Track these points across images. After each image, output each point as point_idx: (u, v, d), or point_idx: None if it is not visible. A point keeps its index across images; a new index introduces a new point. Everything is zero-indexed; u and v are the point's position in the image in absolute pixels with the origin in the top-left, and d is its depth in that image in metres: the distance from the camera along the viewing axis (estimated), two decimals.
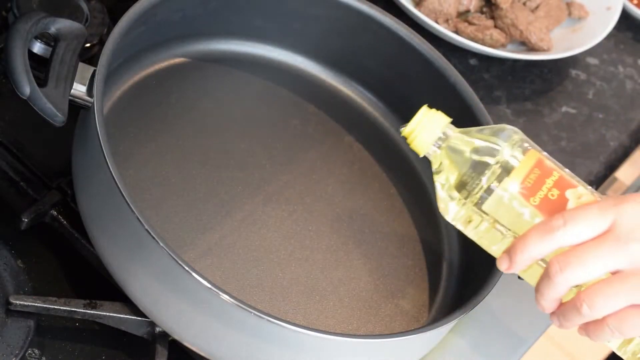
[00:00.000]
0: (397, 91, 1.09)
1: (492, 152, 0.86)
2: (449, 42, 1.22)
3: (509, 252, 0.84)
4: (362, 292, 0.97)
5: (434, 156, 0.89)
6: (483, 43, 1.22)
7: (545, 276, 0.82)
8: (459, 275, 1.01)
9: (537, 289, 0.84)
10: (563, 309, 0.84)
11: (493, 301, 0.96)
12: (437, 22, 1.22)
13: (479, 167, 0.86)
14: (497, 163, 0.86)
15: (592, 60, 1.31)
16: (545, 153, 0.87)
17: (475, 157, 0.87)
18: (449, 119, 0.90)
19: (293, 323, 0.83)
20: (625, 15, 1.35)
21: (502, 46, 1.24)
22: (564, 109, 1.25)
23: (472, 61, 1.25)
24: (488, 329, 1.01)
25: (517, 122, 1.21)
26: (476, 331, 1.00)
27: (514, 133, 0.88)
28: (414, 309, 0.98)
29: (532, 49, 1.24)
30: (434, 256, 1.03)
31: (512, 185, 0.85)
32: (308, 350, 0.85)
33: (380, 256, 1.00)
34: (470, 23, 1.24)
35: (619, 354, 0.86)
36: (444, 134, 0.89)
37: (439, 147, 0.88)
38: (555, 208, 0.84)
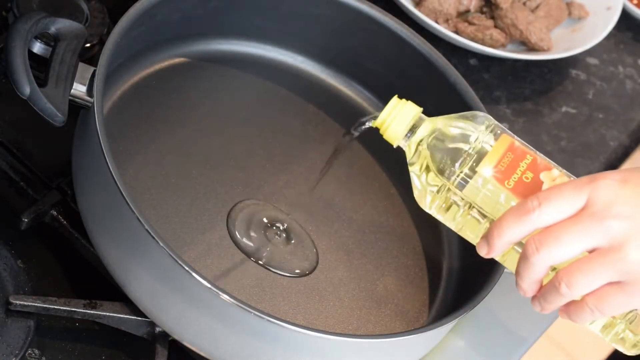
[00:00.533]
0: (397, 91, 1.08)
1: (465, 139, 0.87)
2: (449, 42, 1.22)
3: (486, 236, 0.84)
4: (362, 292, 0.97)
5: (407, 146, 0.89)
6: (483, 43, 1.22)
7: (523, 257, 0.82)
8: (459, 275, 1.01)
9: (516, 271, 0.83)
10: (543, 291, 0.83)
11: (493, 301, 0.95)
12: (437, 22, 1.22)
13: (453, 154, 0.86)
14: (470, 149, 0.86)
15: (592, 60, 1.31)
16: (517, 138, 0.87)
17: (449, 145, 0.87)
18: (420, 109, 0.90)
19: (293, 323, 0.82)
20: (625, 15, 1.35)
21: (502, 46, 1.24)
22: (564, 109, 1.25)
23: (472, 61, 1.25)
24: (488, 329, 1.01)
25: (517, 122, 1.21)
26: (476, 331, 1.00)
27: (486, 119, 0.88)
28: (414, 309, 0.98)
29: (532, 49, 1.24)
30: (434, 256, 1.03)
31: (486, 169, 0.85)
32: (308, 350, 0.85)
33: (380, 256, 1.00)
34: (470, 23, 1.24)
35: (602, 336, 0.86)
36: (416, 123, 0.89)
37: (412, 137, 0.89)
38: (530, 190, 0.84)
